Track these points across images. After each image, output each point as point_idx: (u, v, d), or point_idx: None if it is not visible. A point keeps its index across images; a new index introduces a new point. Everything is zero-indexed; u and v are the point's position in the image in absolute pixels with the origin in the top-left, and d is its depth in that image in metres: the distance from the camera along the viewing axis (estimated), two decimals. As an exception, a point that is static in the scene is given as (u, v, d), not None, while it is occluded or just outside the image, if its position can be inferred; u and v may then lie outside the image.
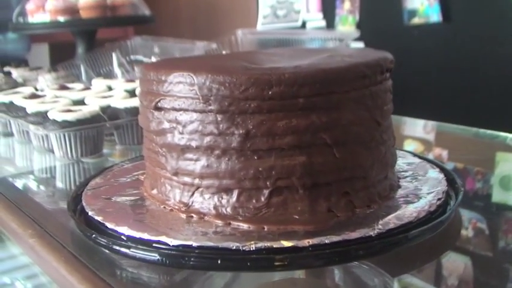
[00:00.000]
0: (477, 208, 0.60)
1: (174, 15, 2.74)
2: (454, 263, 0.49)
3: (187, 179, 0.49)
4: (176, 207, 0.50)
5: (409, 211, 0.48)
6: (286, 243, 0.42)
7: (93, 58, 1.41)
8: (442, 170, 0.58)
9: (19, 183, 0.75)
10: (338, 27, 1.87)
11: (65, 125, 0.75)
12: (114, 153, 0.85)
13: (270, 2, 2.17)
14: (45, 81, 1.12)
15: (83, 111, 0.77)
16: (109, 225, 0.48)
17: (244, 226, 0.46)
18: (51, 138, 0.78)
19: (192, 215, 0.49)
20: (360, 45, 1.68)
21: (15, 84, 1.15)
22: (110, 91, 0.94)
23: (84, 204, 0.53)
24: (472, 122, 0.90)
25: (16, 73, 1.27)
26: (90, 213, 0.51)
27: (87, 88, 0.97)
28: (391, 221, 0.45)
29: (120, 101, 0.83)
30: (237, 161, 0.47)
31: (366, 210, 0.48)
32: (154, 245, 0.44)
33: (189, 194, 0.49)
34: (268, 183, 0.47)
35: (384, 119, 0.51)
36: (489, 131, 0.86)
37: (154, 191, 0.53)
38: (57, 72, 1.14)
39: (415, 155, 0.64)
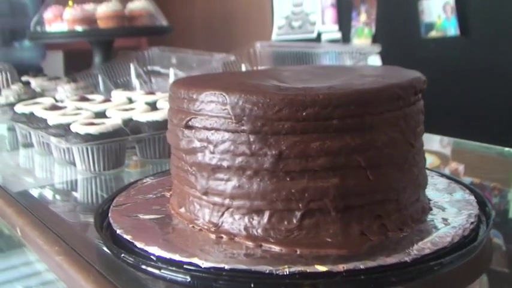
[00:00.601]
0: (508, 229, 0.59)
1: (189, 25, 2.75)
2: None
3: (217, 199, 0.49)
4: (205, 227, 0.49)
5: (442, 235, 0.47)
6: (321, 268, 0.41)
7: (111, 68, 1.41)
8: (472, 191, 0.57)
9: (41, 196, 0.74)
10: (354, 40, 1.87)
11: (87, 138, 0.75)
12: (131, 164, 0.84)
13: (285, 13, 2.17)
14: (65, 91, 1.12)
15: (106, 125, 0.77)
16: (138, 244, 0.47)
17: (276, 248, 0.45)
18: (74, 151, 0.78)
19: (222, 235, 0.48)
20: (376, 57, 1.68)
21: (33, 94, 1.16)
22: (131, 103, 0.94)
23: (111, 222, 0.53)
24: (489, 138, 0.89)
25: (34, 83, 1.28)
26: (118, 231, 0.50)
27: (108, 100, 0.97)
28: (425, 246, 0.45)
29: (141, 114, 0.83)
30: (269, 182, 0.46)
31: (399, 234, 0.47)
32: (185, 266, 0.43)
33: (219, 214, 0.49)
34: (300, 205, 0.46)
35: (416, 140, 0.51)
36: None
37: (182, 210, 0.53)
38: (76, 83, 1.14)
39: (442, 174, 0.63)
